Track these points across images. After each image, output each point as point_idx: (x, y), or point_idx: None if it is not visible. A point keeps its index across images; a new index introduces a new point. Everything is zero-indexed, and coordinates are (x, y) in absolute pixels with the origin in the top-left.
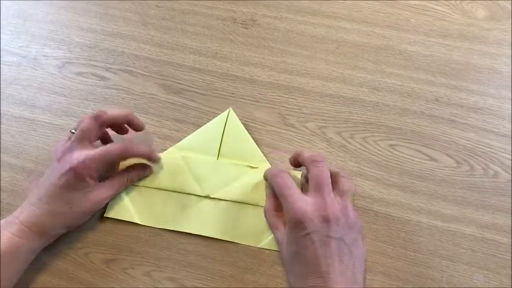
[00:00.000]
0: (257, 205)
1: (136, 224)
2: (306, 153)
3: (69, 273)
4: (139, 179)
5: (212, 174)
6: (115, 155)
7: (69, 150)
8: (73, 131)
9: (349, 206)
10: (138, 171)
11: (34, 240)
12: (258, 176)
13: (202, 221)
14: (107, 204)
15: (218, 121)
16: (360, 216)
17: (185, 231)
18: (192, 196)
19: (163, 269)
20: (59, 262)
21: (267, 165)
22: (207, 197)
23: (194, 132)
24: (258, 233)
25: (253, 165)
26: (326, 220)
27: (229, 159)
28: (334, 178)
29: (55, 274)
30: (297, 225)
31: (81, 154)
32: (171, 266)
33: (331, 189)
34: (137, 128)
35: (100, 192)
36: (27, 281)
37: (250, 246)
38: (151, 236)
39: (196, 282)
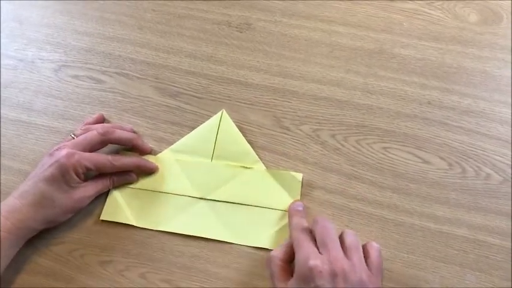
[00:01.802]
0: (252, 205)
1: (131, 225)
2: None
3: (65, 275)
4: (124, 183)
5: (207, 176)
6: (96, 137)
7: (62, 147)
8: (73, 135)
9: (358, 264)
10: (123, 175)
11: (15, 234)
12: (252, 176)
13: (198, 222)
14: (103, 207)
15: (212, 123)
16: (374, 277)
17: (181, 232)
18: (188, 198)
19: (159, 270)
20: (54, 264)
21: (261, 166)
22: (202, 198)
23: (188, 135)
24: (254, 233)
25: (247, 166)
26: (334, 275)
27: (223, 160)
28: (342, 237)
29: (50, 276)
30: (306, 277)
31: (71, 151)
32: (166, 268)
33: (339, 245)
34: (143, 152)
35: (83, 190)
36: (21, 282)
37: (245, 248)
38: (146, 238)
39: (191, 283)
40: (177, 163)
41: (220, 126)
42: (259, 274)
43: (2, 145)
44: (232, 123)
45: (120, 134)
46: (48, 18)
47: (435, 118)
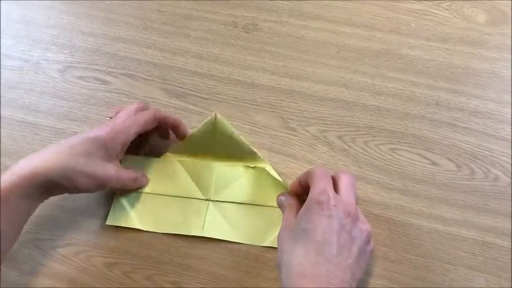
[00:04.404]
0: (259, 205)
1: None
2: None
3: (71, 276)
4: (139, 187)
5: (211, 177)
6: (145, 120)
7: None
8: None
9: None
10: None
11: (28, 180)
12: (256, 175)
13: (205, 224)
14: (109, 209)
15: (207, 126)
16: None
17: (189, 234)
18: (194, 200)
19: (165, 272)
20: (60, 266)
21: (265, 164)
22: (208, 200)
23: (186, 138)
24: (261, 232)
25: (251, 165)
26: (347, 214)
27: (225, 161)
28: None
29: (56, 277)
30: (321, 203)
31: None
32: (172, 270)
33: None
34: (181, 135)
35: (113, 168)
36: (28, 284)
37: (251, 250)
38: (152, 240)
39: (198, 285)
40: (180, 164)
41: (216, 129)
42: (266, 277)
43: (8, 146)
44: (228, 124)
45: (165, 113)
46: (54, 19)
47: (443, 119)
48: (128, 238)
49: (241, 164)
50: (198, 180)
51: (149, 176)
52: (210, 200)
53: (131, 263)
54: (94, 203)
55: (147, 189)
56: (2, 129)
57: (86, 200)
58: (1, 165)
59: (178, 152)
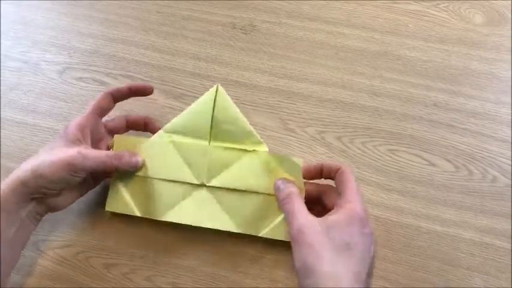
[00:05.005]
0: (255, 192)
1: (136, 228)
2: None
3: (70, 277)
4: (132, 168)
5: (205, 160)
6: (98, 99)
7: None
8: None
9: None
10: (128, 156)
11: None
12: (254, 160)
13: (202, 211)
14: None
15: (207, 100)
16: None
17: (185, 223)
18: (188, 185)
19: (164, 273)
20: (59, 266)
21: (263, 147)
22: (203, 185)
23: (182, 113)
24: (258, 221)
25: (249, 149)
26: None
27: (222, 142)
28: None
29: (55, 279)
30: (362, 221)
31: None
32: (171, 271)
33: None
34: (153, 130)
35: (74, 149)
36: (27, 285)
37: (250, 251)
38: (151, 241)
39: (196, 286)
40: (173, 146)
41: (216, 103)
42: (266, 278)
43: (7, 147)
44: (230, 100)
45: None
46: (53, 20)
47: (441, 120)
48: (126, 239)
49: (239, 146)
50: (192, 162)
51: (140, 158)
52: (205, 186)
53: (130, 263)
54: (93, 204)
55: (139, 172)
56: (1, 131)
57: (84, 201)
58: (1, 166)
59: (173, 128)
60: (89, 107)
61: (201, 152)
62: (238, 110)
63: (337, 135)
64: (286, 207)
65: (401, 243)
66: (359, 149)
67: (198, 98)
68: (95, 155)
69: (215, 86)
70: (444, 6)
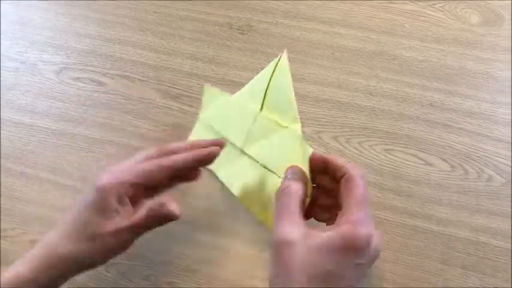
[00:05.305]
0: (276, 174)
1: None
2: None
3: None
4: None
5: (250, 125)
6: (144, 170)
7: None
8: None
9: None
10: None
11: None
12: (285, 138)
13: (231, 174)
14: None
15: (269, 66)
16: None
17: (222, 180)
18: (232, 147)
19: (162, 273)
20: None
21: (296, 126)
22: (242, 150)
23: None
24: (265, 206)
25: (283, 124)
26: (376, 256)
27: (269, 112)
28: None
29: None
30: (357, 250)
31: (113, 174)
32: (170, 270)
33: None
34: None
35: (121, 221)
36: None
37: (249, 251)
38: (149, 240)
39: (194, 286)
40: (234, 103)
41: (276, 72)
42: (263, 277)
43: (4, 148)
44: (288, 70)
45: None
46: (50, 21)
47: (437, 120)
48: None
49: (277, 119)
50: (236, 124)
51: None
52: (243, 153)
53: (128, 263)
54: None
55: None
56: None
57: None
58: (0, 167)
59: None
60: (130, 175)
61: (250, 117)
62: (291, 82)
63: (334, 135)
64: (278, 203)
65: (397, 242)
66: (356, 148)
67: (195, 98)
68: (142, 218)
69: (281, 54)
70: (440, 6)
